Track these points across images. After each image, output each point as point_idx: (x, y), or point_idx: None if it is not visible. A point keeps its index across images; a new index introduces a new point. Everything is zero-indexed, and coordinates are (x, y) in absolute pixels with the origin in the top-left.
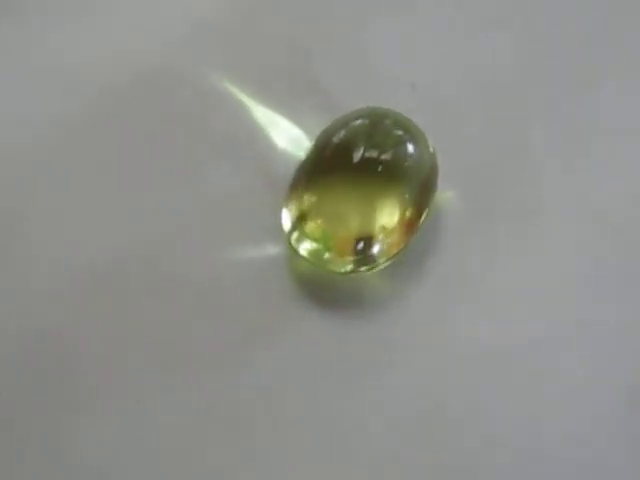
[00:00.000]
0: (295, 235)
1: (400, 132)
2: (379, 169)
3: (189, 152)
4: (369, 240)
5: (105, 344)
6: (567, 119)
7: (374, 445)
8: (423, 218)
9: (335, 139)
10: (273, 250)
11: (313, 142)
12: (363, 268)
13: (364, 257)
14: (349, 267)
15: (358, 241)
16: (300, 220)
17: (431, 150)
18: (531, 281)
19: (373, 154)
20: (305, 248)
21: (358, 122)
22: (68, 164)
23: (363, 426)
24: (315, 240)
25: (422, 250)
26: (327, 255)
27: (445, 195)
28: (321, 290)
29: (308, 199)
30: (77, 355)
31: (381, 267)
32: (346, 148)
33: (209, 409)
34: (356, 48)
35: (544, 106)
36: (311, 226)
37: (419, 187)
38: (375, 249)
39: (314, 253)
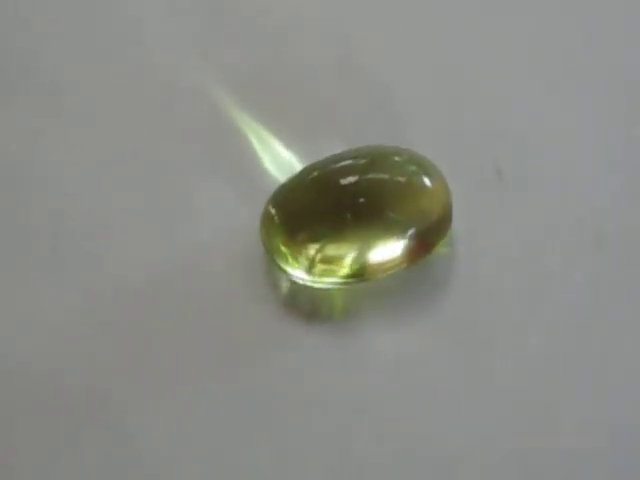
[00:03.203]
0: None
1: (413, 168)
2: (381, 204)
3: (183, 165)
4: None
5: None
6: None
7: (358, 460)
8: (430, 253)
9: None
10: (253, 264)
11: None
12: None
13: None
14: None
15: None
16: (310, 267)
17: (447, 188)
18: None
19: (372, 188)
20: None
21: (358, 159)
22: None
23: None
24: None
25: (423, 282)
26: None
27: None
28: (304, 304)
29: (311, 246)
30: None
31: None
32: (342, 179)
33: (204, 417)
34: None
35: None
36: (320, 269)
37: (427, 225)
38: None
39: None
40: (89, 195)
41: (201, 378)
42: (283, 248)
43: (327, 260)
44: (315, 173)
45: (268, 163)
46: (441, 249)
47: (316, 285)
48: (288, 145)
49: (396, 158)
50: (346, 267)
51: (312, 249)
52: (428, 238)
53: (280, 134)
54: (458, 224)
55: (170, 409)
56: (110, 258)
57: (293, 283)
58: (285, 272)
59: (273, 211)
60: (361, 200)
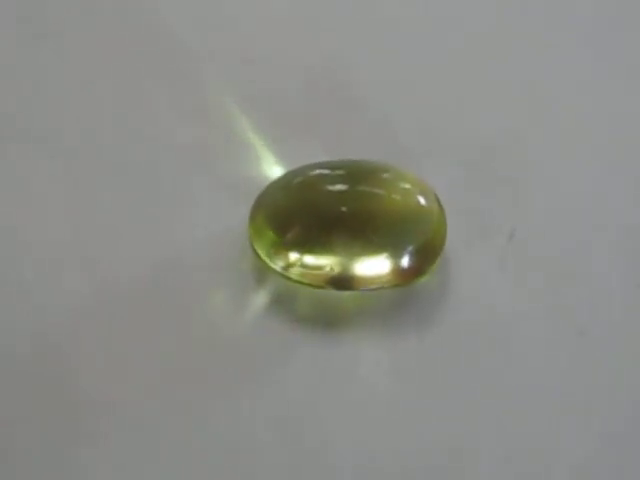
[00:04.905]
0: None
1: (405, 185)
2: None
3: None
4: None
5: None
6: None
7: (341, 471)
8: (422, 273)
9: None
10: (241, 264)
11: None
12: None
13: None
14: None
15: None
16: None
17: (441, 207)
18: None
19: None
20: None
21: (343, 169)
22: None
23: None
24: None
25: (411, 302)
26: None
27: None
28: (292, 307)
29: (295, 249)
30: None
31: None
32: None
33: (187, 418)
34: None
35: None
36: (300, 272)
37: (420, 243)
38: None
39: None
40: (84, 194)
41: (186, 378)
42: (269, 246)
43: (308, 266)
44: (301, 178)
45: (258, 165)
46: (433, 271)
47: (302, 285)
48: (277, 149)
49: (384, 175)
50: (328, 275)
51: (296, 252)
52: (420, 257)
53: (271, 138)
54: (452, 245)
55: (153, 408)
56: (99, 258)
57: (280, 284)
58: (271, 270)
59: (261, 210)
60: (354, 213)
